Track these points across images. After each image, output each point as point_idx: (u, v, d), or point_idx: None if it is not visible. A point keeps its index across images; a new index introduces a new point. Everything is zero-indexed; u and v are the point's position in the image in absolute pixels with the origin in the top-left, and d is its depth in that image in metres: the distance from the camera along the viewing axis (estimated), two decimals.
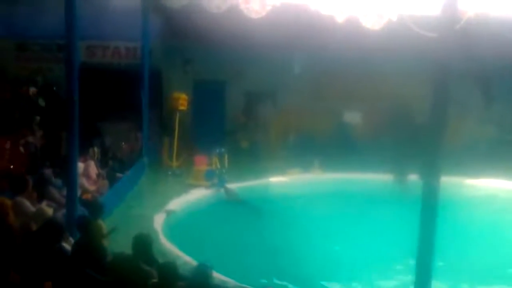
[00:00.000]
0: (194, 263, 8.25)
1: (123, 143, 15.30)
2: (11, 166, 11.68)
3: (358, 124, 17.87)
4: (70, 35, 9.15)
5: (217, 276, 7.72)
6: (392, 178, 15.01)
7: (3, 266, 7.18)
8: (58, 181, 10.85)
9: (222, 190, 14.01)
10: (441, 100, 6.64)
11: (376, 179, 14.86)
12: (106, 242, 8.26)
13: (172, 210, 12.31)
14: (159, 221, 11.46)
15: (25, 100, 14.68)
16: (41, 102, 14.71)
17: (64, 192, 9.92)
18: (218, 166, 14.41)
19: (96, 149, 13.07)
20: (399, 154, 15.03)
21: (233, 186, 14.13)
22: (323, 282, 9.61)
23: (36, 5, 16.06)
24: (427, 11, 9.77)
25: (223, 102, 18.11)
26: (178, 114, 15.94)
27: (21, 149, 12.34)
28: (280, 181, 15.15)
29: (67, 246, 7.62)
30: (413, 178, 13.51)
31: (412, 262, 6.92)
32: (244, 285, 8.44)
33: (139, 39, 15.55)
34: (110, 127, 15.88)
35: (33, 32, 16.68)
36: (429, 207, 6.67)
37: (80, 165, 11.23)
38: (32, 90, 14.90)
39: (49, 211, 9.30)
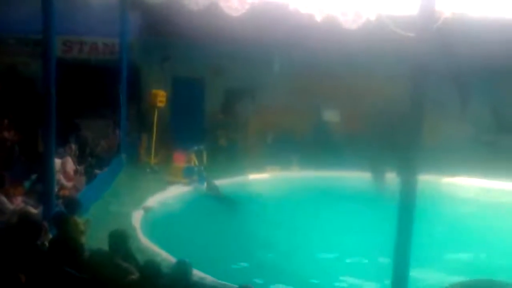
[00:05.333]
0: (172, 259, 8.23)
1: (101, 140, 15.21)
2: None
3: (337, 122, 17.94)
4: (47, 30, 9.07)
5: (196, 272, 7.71)
6: (370, 176, 15.10)
7: None
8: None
9: (204, 184, 14.01)
10: (418, 99, 6.72)
11: (354, 177, 14.95)
12: (83, 239, 8.22)
13: (150, 206, 12.27)
14: (137, 217, 11.42)
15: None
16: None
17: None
18: (197, 163, 14.39)
19: (73, 145, 12.98)
20: (377, 152, 15.13)
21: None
22: (301, 279, 9.65)
23: None
24: (405, 11, 9.83)
25: (202, 99, 18.06)
26: (156, 111, 15.87)
27: None
28: (259, 178, 15.16)
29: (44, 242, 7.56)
30: (391, 176, 13.60)
31: (389, 259, 6.97)
32: (222, 282, 8.45)
33: (117, 35, 15.44)
34: (88, 123, 15.78)
35: (9, 26, 16.46)
36: (407, 205, 6.74)
37: (57, 161, 11.14)
38: None
39: (33, 210, 9.22)
